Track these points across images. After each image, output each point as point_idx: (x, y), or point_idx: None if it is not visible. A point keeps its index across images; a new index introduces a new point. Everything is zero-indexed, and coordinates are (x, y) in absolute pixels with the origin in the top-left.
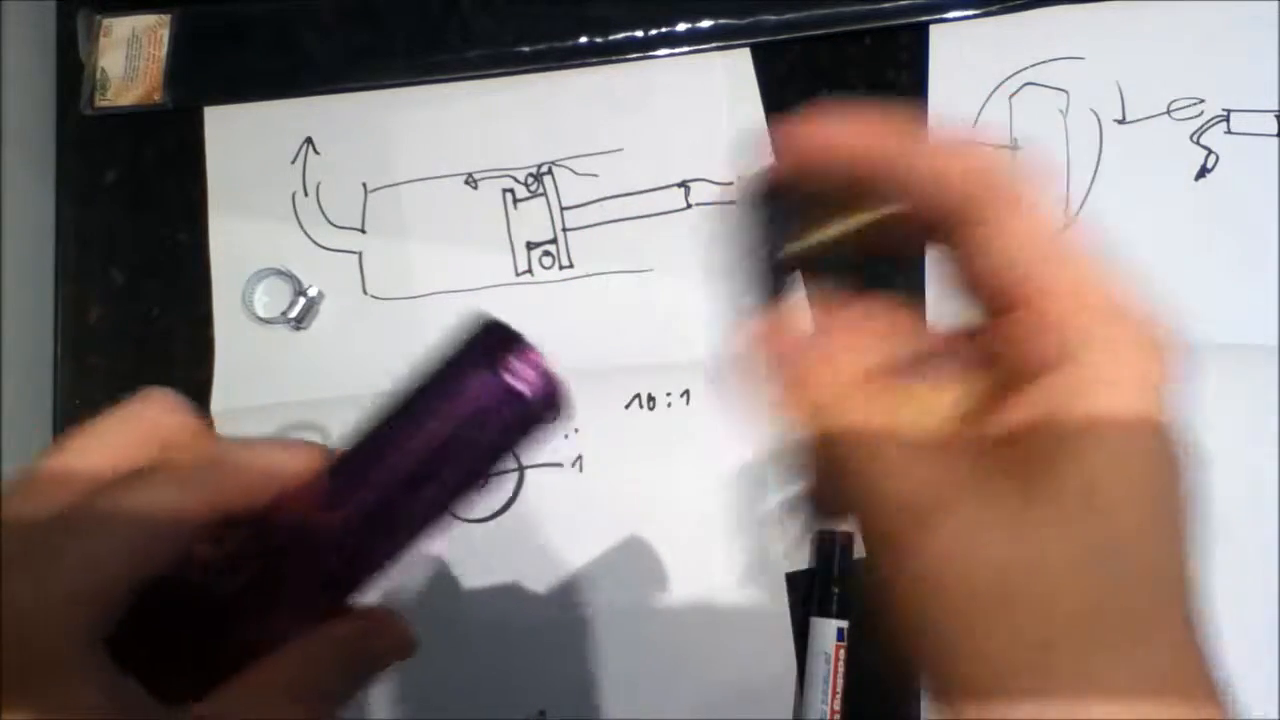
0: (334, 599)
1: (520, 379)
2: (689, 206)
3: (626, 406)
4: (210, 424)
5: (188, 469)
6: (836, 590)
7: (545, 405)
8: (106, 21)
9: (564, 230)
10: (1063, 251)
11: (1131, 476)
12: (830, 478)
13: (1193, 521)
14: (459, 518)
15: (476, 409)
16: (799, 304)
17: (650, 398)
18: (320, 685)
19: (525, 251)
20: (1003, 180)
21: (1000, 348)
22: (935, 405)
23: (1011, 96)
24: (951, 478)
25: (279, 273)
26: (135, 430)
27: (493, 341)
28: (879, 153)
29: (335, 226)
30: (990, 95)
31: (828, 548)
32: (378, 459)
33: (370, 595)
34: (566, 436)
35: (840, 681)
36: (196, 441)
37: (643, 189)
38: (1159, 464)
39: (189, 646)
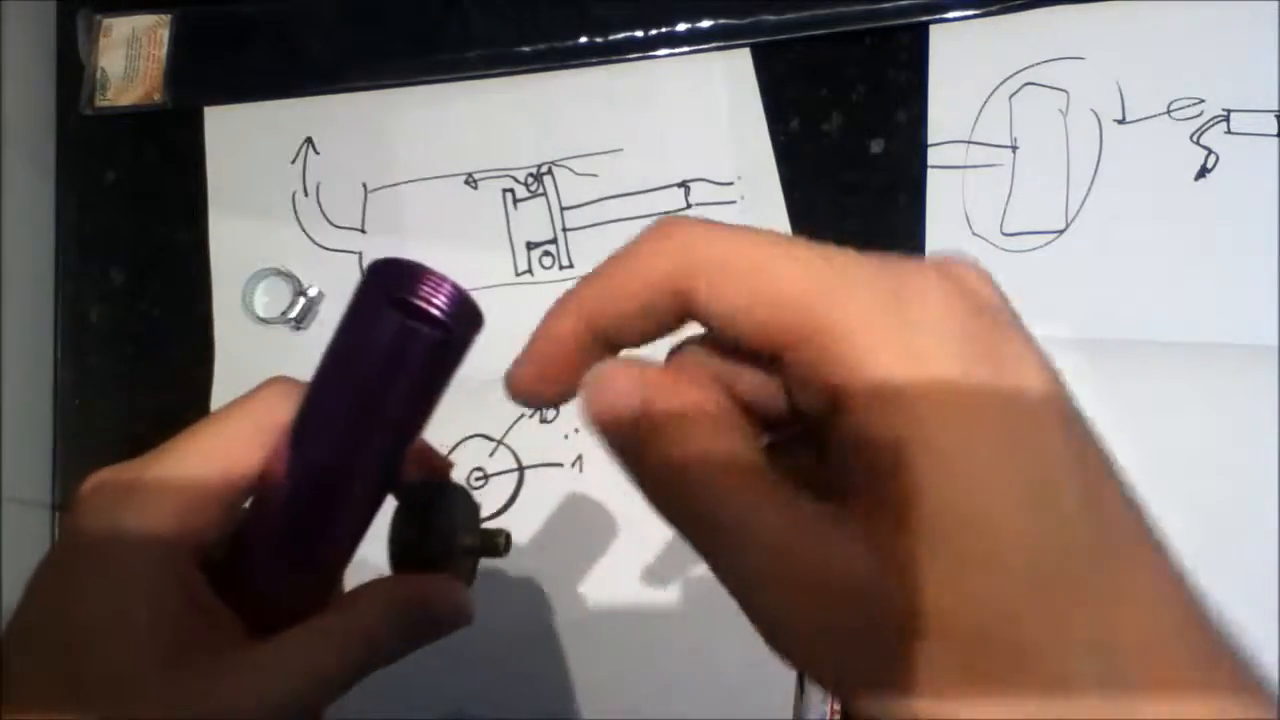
0: (332, 549)
1: (428, 304)
2: (689, 206)
3: None
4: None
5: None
6: None
7: (459, 321)
8: (106, 21)
9: (564, 230)
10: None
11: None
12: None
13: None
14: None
15: (392, 344)
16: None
17: None
18: (369, 636)
19: (525, 251)
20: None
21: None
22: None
23: (1011, 96)
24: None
25: (279, 273)
26: (251, 422)
27: (391, 276)
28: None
29: (335, 226)
30: (990, 95)
31: None
32: (317, 414)
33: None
34: (566, 437)
35: None
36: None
37: (643, 189)
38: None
39: (263, 582)
